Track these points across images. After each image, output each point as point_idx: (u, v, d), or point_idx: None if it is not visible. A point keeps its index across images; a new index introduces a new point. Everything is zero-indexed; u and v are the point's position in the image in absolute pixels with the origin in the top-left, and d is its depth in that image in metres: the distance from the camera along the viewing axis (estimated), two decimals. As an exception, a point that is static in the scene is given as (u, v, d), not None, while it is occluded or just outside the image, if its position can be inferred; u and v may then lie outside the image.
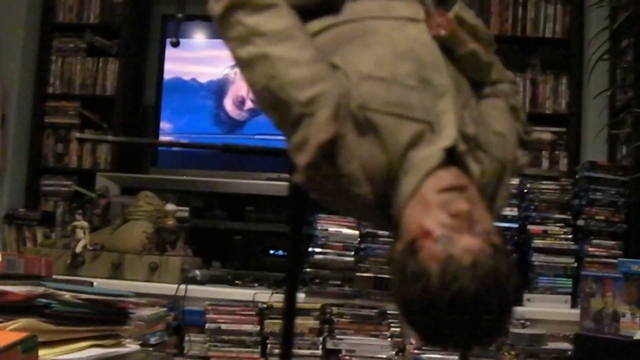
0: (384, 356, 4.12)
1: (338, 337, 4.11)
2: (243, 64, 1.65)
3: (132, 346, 2.14)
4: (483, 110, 1.73)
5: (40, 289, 1.81)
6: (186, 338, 4.10)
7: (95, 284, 2.45)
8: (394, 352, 4.13)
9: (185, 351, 4.09)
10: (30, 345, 1.56)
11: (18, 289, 1.80)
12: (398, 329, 4.15)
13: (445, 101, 1.59)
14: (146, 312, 3.64)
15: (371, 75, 1.59)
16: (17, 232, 4.79)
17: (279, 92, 1.56)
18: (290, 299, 1.97)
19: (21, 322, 1.71)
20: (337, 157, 1.52)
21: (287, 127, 1.57)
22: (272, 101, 1.59)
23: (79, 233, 4.27)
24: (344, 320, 4.11)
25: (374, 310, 4.14)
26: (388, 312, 4.16)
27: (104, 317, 2.02)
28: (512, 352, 3.86)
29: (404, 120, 1.56)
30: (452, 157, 1.55)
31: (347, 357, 4.10)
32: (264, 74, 1.59)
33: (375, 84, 1.59)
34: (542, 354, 3.81)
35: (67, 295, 1.86)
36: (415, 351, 4.09)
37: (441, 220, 1.42)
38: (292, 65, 1.57)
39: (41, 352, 1.71)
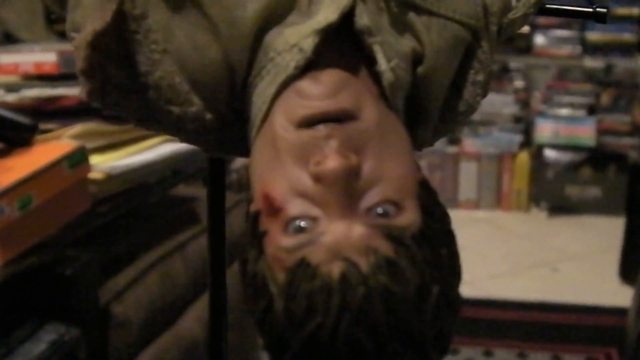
0: (507, 112, 3.94)
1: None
2: None
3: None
4: None
5: (98, 89, 1.71)
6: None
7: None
8: (517, 107, 3.94)
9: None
10: (78, 159, 1.48)
11: (75, 91, 1.71)
12: (522, 83, 3.95)
13: None
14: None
15: None
16: None
17: None
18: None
19: (78, 127, 1.62)
20: (135, 57, 0.80)
21: (58, 8, 0.88)
22: None
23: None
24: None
25: (496, 65, 3.92)
26: (511, 66, 3.94)
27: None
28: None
29: None
30: (353, 41, 0.78)
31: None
32: None
33: None
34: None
35: (130, 92, 1.76)
36: (541, 106, 3.89)
37: (297, 185, 0.70)
38: None
39: (106, 157, 1.64)
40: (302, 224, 0.68)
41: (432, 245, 0.69)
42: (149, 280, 1.70)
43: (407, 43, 0.80)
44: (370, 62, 0.76)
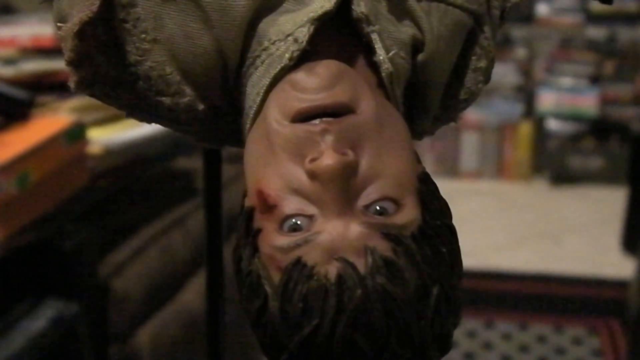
0: (509, 81, 3.92)
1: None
2: None
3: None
4: None
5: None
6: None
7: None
8: (519, 77, 3.93)
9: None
10: (76, 134, 1.47)
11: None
12: (524, 52, 3.92)
13: None
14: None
15: None
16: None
17: None
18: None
19: (76, 100, 1.61)
20: (124, 47, 0.77)
21: None
22: None
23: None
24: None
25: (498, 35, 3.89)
26: (513, 36, 3.92)
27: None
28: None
29: None
30: (347, 29, 0.74)
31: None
32: None
33: None
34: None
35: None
36: (543, 75, 3.87)
37: (292, 182, 0.67)
38: None
39: (104, 131, 1.63)
40: (298, 222, 0.65)
41: (432, 244, 0.66)
42: (149, 255, 1.69)
43: (406, 30, 0.76)
44: (368, 50, 0.73)
